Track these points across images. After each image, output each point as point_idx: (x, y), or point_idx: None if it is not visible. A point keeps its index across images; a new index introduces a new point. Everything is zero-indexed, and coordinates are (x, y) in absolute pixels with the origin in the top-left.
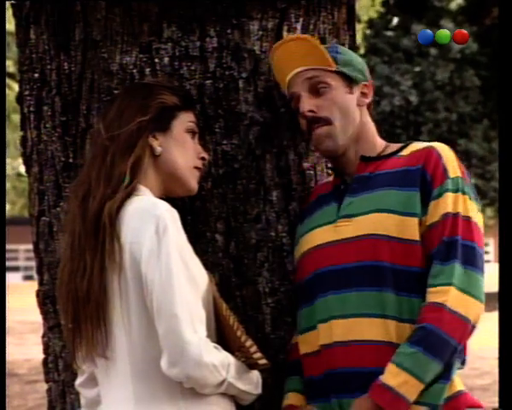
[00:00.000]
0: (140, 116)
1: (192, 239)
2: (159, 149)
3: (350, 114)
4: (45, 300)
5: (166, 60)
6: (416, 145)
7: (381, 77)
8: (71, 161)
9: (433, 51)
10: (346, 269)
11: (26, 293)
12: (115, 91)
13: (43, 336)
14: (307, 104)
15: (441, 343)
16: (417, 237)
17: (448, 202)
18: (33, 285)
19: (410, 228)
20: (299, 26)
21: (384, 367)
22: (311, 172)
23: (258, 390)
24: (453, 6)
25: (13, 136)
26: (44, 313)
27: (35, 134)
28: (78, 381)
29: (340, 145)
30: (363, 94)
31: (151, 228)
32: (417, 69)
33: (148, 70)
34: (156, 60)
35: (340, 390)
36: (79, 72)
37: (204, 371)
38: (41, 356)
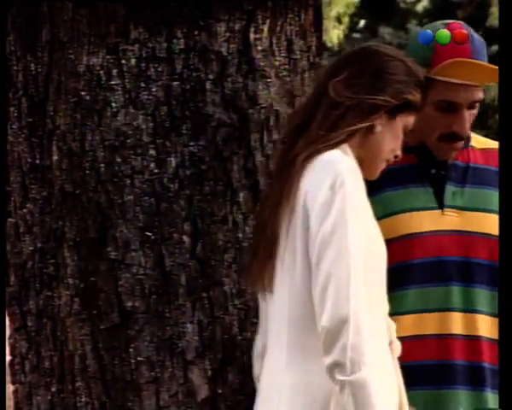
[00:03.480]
0: (390, 96)
1: (158, 241)
2: (379, 128)
3: None
4: (12, 301)
5: (133, 61)
6: (483, 139)
7: None
8: (37, 162)
9: None
10: (462, 262)
11: None
12: (82, 93)
13: (10, 338)
14: (467, 128)
15: None
16: None
17: None
18: None
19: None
20: (265, 28)
21: (488, 363)
22: None
23: None
24: (419, 8)
25: None
26: (11, 314)
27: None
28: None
29: None
30: None
31: (328, 181)
32: None
33: (115, 71)
34: (123, 61)
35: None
36: (46, 73)
37: (345, 333)
38: None
